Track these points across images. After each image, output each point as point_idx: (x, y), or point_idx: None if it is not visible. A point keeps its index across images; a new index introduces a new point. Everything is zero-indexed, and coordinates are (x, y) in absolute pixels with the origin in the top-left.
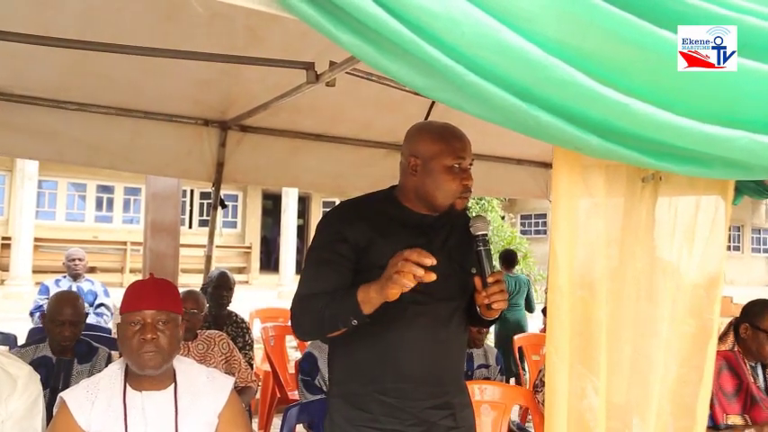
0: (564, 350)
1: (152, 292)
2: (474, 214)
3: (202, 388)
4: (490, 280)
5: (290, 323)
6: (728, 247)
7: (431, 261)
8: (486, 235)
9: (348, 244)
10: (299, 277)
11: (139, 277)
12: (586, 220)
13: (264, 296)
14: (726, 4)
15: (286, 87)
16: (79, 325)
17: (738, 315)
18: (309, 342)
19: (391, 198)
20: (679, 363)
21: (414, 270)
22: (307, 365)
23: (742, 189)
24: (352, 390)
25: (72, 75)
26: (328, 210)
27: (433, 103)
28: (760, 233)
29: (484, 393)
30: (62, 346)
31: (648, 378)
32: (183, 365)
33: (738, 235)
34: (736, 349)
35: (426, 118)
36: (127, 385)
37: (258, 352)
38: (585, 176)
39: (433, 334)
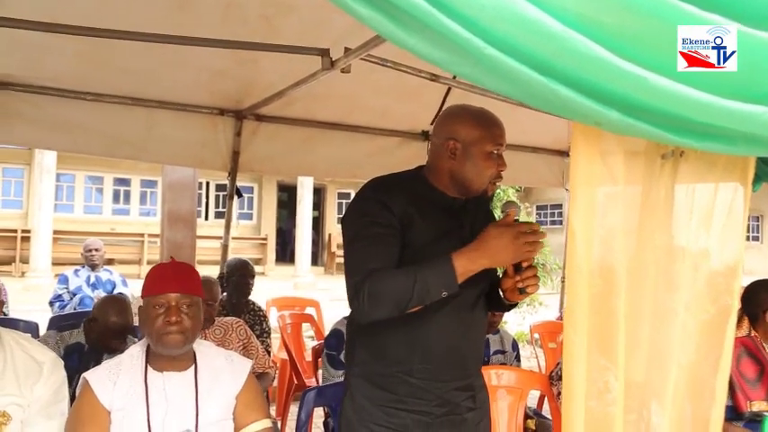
0: (582, 331)
1: (176, 275)
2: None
3: (222, 370)
4: (525, 265)
5: (353, 304)
6: (747, 238)
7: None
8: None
9: (395, 216)
10: (346, 259)
11: None
12: (605, 205)
13: (280, 287)
14: None
15: (301, 76)
16: (125, 334)
17: (744, 304)
18: (336, 322)
19: (421, 179)
20: (697, 347)
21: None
22: (334, 341)
23: (762, 175)
24: (377, 370)
25: (87, 64)
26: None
27: (449, 90)
28: None
29: (501, 378)
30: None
31: (666, 361)
32: (203, 348)
33: (757, 225)
34: (753, 334)
35: (442, 106)
36: (148, 366)
37: (275, 341)
38: (604, 162)
39: (460, 317)
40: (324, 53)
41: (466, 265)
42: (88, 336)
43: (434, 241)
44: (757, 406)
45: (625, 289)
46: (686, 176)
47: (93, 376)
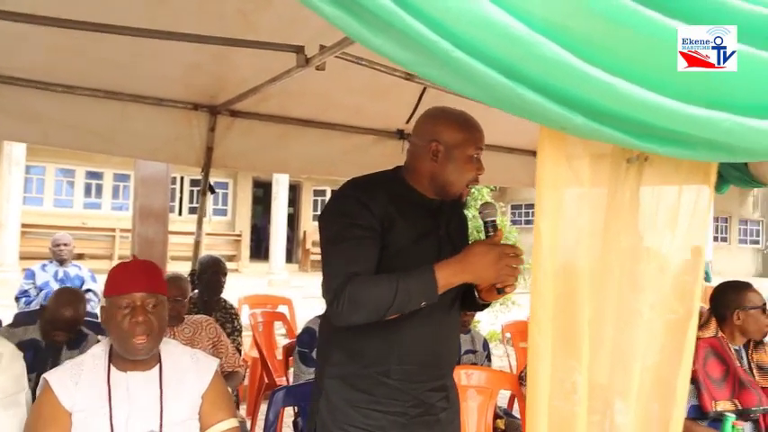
0: (546, 332)
1: (140, 274)
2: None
3: (187, 369)
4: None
5: (331, 307)
6: (716, 239)
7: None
8: (495, 221)
9: (376, 218)
10: (325, 258)
11: None
12: (571, 206)
13: (254, 284)
14: None
15: (276, 73)
16: (77, 326)
17: (712, 305)
18: (308, 320)
19: (400, 179)
20: (660, 346)
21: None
22: (306, 337)
23: (728, 178)
24: (354, 372)
25: (59, 56)
26: (320, 197)
27: (425, 89)
28: (747, 224)
29: (470, 378)
30: (57, 341)
31: (630, 360)
32: (168, 347)
33: (726, 226)
34: (719, 335)
35: (417, 105)
36: (111, 366)
37: (247, 339)
38: (570, 165)
39: (437, 319)
40: (299, 50)
41: (448, 277)
42: (44, 329)
43: (414, 242)
44: (722, 405)
45: (590, 290)
46: (651, 179)
47: (53, 377)
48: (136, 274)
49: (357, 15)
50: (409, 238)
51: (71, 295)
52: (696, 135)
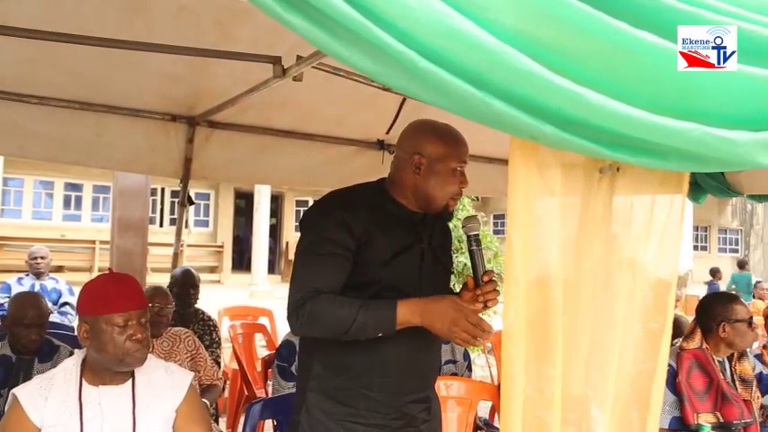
0: (520, 342)
1: (131, 290)
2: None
3: (160, 383)
4: (485, 279)
5: (291, 318)
6: (696, 247)
7: (486, 336)
8: (479, 234)
9: (351, 235)
10: (291, 271)
11: None
12: (543, 215)
13: (236, 295)
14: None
15: (254, 83)
16: (44, 326)
17: (698, 316)
18: (286, 333)
19: (383, 192)
20: (635, 355)
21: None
22: (285, 352)
23: (706, 188)
24: (335, 384)
25: (33, 67)
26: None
27: (404, 100)
28: (726, 233)
29: (450, 389)
30: (26, 348)
31: (605, 370)
32: None
33: (706, 235)
34: (704, 347)
35: (397, 116)
36: (83, 380)
37: (227, 350)
38: (541, 175)
39: (419, 331)
40: (276, 61)
41: (407, 315)
42: (12, 340)
43: (394, 256)
44: (704, 418)
45: (564, 300)
46: (624, 189)
47: (22, 392)
48: (128, 291)
49: (326, 27)
50: (389, 253)
51: (30, 296)
52: (666, 145)
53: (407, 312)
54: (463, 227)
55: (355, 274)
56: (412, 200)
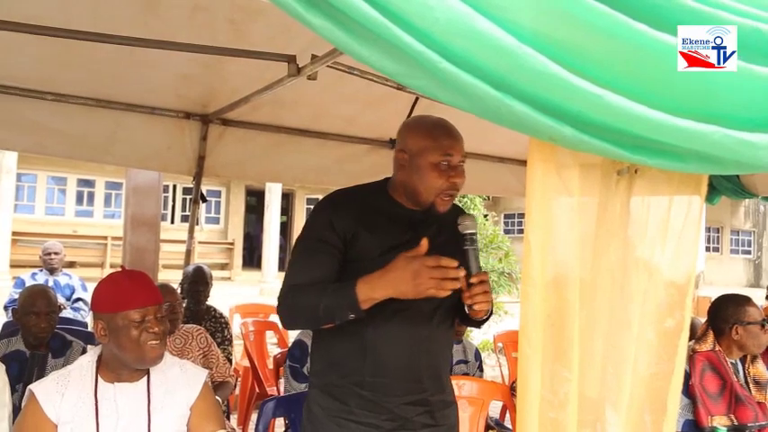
0: (537, 342)
1: (147, 287)
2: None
3: (175, 380)
4: (474, 280)
5: (277, 313)
6: (708, 249)
7: (455, 273)
8: (474, 234)
9: (336, 233)
10: (285, 269)
11: None
12: (561, 216)
13: (247, 292)
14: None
15: (268, 82)
16: (54, 315)
17: (710, 318)
18: (298, 333)
19: (383, 191)
20: (651, 357)
21: (446, 283)
22: (297, 352)
23: (720, 189)
24: (331, 381)
25: (52, 65)
26: (313, 205)
27: (417, 99)
28: (739, 235)
29: (461, 389)
30: (38, 338)
31: (621, 371)
32: None
33: (718, 236)
34: (717, 349)
35: (410, 114)
36: (99, 377)
37: (238, 348)
38: (560, 176)
39: (415, 330)
40: (290, 59)
41: (367, 292)
42: (25, 334)
43: (382, 254)
44: (718, 420)
45: (580, 301)
46: (642, 190)
47: (39, 388)
48: (143, 287)
49: (345, 26)
50: (377, 251)
51: (38, 286)
52: (685, 147)
53: (367, 288)
54: (458, 225)
55: (348, 270)
56: (405, 197)
